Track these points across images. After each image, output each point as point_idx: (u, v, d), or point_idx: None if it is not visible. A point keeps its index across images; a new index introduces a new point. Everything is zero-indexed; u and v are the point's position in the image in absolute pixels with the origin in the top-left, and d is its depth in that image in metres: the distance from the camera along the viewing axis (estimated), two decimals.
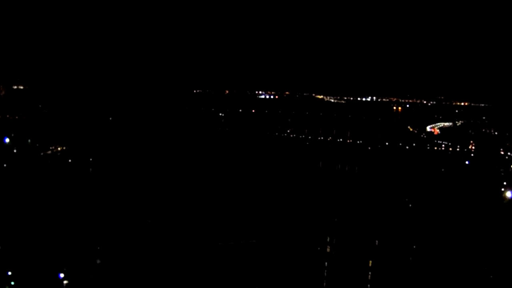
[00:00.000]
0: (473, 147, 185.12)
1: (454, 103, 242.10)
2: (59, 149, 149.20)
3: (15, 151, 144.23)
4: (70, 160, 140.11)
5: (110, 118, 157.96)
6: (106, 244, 78.97)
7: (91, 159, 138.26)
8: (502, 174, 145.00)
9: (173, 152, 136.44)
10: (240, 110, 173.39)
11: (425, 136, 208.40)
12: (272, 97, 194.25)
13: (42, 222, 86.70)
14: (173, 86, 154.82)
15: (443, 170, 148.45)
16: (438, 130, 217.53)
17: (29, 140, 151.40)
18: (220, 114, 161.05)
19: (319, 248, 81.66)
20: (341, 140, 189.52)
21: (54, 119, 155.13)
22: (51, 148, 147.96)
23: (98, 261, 74.50)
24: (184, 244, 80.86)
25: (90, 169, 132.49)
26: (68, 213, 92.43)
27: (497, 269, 76.43)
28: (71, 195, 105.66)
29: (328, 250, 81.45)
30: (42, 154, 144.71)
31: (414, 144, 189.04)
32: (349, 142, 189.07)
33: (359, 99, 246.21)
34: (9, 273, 69.41)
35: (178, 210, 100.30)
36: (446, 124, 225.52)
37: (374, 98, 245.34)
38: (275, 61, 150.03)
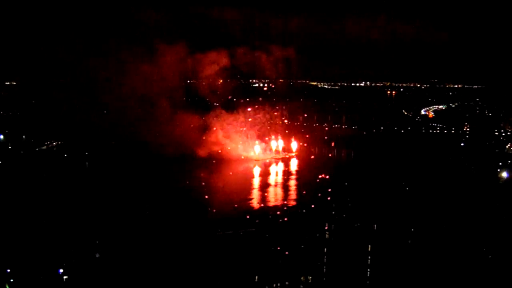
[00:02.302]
0: (468, 129, 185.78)
1: (447, 86, 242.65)
2: (54, 144, 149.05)
3: (9, 147, 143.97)
4: (66, 155, 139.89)
5: (105, 111, 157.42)
6: (104, 237, 78.93)
7: (87, 153, 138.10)
8: (497, 154, 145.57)
9: (168, 141, 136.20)
10: (234, 100, 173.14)
11: (419, 119, 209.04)
12: (266, 85, 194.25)
13: (39, 217, 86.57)
14: (166, 77, 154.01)
15: (438, 152, 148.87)
16: (432, 113, 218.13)
17: (23, 136, 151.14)
18: (215, 104, 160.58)
19: (318, 235, 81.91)
20: (336, 125, 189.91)
21: (48, 114, 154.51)
22: (46, 143, 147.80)
23: (97, 255, 74.44)
24: (183, 235, 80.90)
25: (87, 163, 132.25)
26: (66, 208, 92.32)
27: (494, 248, 76.73)
28: (68, 190, 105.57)
29: (326, 236, 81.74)
30: (37, 149, 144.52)
31: (409, 128, 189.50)
32: (344, 127, 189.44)
33: (353, 84, 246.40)
34: (8, 270, 69.27)
35: (176, 201, 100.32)
36: (440, 106, 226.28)
37: (368, 83, 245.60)
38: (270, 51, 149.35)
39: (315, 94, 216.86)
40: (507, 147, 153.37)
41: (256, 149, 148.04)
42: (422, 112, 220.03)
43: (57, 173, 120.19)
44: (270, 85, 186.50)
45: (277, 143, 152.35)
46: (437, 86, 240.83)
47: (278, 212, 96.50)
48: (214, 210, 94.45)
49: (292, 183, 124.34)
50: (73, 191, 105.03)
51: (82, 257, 73.26)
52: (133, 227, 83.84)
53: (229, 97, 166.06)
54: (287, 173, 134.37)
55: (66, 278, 69.49)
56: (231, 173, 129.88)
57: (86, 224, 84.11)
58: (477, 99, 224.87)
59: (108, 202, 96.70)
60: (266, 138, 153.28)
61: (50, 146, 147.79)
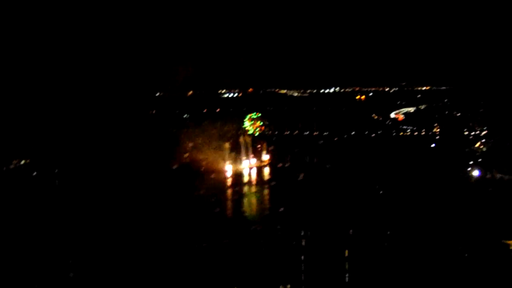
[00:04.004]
0: (438, 130, 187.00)
1: (416, 88, 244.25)
2: (22, 162, 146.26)
3: None
4: (35, 173, 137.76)
5: (74, 127, 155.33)
6: (79, 257, 77.60)
7: (56, 171, 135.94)
8: (468, 153, 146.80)
9: (143, 156, 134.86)
10: (205, 110, 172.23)
11: (390, 123, 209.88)
12: (236, 95, 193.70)
13: (9, 238, 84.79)
14: (135, 91, 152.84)
15: (410, 154, 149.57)
16: (402, 116, 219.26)
17: None
18: (185, 116, 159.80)
19: (294, 242, 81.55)
20: (307, 133, 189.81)
21: (14, 130, 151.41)
22: (14, 162, 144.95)
23: (71, 275, 73.16)
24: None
25: (57, 181, 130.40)
26: (37, 227, 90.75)
27: (468, 246, 77.17)
28: (39, 209, 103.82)
29: (303, 243, 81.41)
30: (4, 169, 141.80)
31: (379, 132, 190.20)
32: (315, 134, 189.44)
33: (322, 91, 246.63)
34: None
35: (154, 215, 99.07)
36: (410, 109, 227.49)
37: (337, 89, 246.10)
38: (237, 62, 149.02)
39: (284, 102, 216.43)
40: (476, 146, 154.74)
41: (228, 159, 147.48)
42: (392, 115, 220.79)
43: (27, 193, 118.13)
44: (239, 94, 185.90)
45: (249, 153, 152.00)
46: (406, 89, 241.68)
47: (253, 222, 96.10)
48: (186, 223, 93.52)
49: (266, 192, 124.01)
50: (45, 209, 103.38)
51: (55, 278, 71.93)
52: (107, 242, 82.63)
53: (198, 108, 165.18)
54: (260, 182, 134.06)
55: None
56: (202, 184, 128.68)
57: (58, 244, 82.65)
58: (446, 100, 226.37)
59: (81, 219, 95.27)
60: (237, 148, 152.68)
61: (18, 165, 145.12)
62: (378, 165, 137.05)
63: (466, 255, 75.00)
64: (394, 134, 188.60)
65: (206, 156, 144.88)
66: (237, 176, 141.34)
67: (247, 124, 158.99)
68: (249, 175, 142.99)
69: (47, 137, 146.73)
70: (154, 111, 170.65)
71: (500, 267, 70.44)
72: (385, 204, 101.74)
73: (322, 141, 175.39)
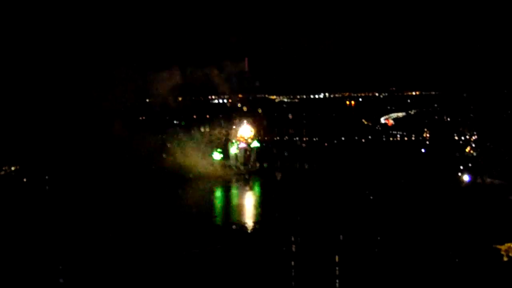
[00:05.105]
0: (428, 135, 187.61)
1: (405, 93, 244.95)
2: (12, 168, 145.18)
3: None
4: (25, 180, 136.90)
5: (64, 133, 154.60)
6: (68, 264, 77.07)
7: (47, 177, 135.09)
8: (458, 158, 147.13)
9: (133, 163, 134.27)
10: (195, 116, 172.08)
11: (379, 128, 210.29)
12: (225, 101, 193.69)
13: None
14: (125, 97, 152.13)
15: (400, 160, 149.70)
16: (392, 121, 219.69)
17: None
18: (175, 121, 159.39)
19: (284, 248, 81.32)
20: (297, 138, 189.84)
21: (3, 136, 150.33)
22: (3, 168, 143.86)
23: (61, 280, 72.59)
24: (146, 255, 79.53)
25: (47, 187, 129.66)
26: (27, 234, 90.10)
27: (459, 250, 77.27)
28: (29, 215, 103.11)
29: (293, 249, 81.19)
30: None
31: (369, 137, 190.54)
32: (305, 139, 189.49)
33: (311, 96, 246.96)
34: None
35: (140, 222, 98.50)
36: (400, 114, 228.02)
37: (327, 94, 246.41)
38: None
39: (274, 108, 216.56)
40: (466, 150, 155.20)
41: (217, 165, 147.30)
42: (382, 120, 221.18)
43: (17, 200, 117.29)
44: (229, 100, 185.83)
45: (237, 157, 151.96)
46: (395, 94, 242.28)
47: (243, 228, 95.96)
48: (176, 229, 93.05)
49: (255, 197, 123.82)
50: (35, 215, 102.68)
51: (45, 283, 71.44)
52: (97, 249, 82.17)
53: (187, 114, 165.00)
54: (250, 188, 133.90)
55: None
56: (188, 190, 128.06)
57: (47, 250, 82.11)
58: (435, 105, 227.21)
59: (71, 226, 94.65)
60: (226, 155, 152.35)
61: (8, 171, 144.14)
62: (368, 170, 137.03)
63: (456, 260, 74.99)
64: (384, 139, 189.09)
65: (195, 162, 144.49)
66: (227, 182, 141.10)
67: (237, 130, 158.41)
68: (238, 181, 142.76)
69: (37, 143, 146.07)
70: (144, 117, 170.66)
71: (491, 272, 70.55)
72: (375, 209, 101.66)
73: (311, 147, 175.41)
